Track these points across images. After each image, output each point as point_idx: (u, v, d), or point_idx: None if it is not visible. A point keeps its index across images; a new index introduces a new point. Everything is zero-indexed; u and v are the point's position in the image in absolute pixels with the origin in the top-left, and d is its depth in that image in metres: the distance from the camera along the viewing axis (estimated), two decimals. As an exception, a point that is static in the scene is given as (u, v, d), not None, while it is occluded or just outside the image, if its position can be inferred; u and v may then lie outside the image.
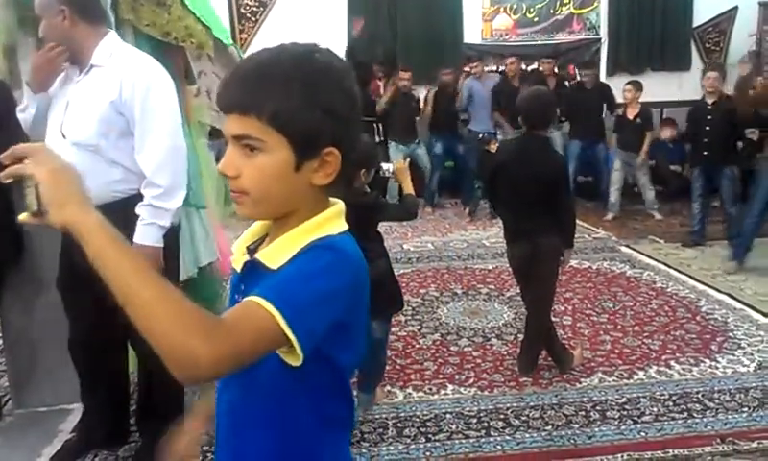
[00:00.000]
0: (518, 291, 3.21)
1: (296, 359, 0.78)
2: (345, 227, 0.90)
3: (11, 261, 2.46)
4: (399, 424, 2.56)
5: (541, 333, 2.97)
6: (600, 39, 7.76)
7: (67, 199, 0.75)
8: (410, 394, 2.82)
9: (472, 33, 7.61)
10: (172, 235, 2.17)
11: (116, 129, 2.02)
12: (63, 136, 2.03)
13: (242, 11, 7.41)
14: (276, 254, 0.85)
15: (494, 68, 7.08)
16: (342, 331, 0.84)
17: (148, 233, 2.03)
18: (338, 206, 0.91)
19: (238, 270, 0.93)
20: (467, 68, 6.33)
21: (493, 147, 5.63)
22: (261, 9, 7.41)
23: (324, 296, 0.79)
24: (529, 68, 6.86)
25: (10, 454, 2.44)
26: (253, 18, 7.43)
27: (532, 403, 2.72)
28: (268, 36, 7.13)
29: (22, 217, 0.78)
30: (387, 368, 2.85)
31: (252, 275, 0.88)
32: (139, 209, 2.03)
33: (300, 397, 0.88)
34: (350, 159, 0.88)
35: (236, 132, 0.83)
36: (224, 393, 0.94)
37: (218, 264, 2.99)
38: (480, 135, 6.18)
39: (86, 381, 2.39)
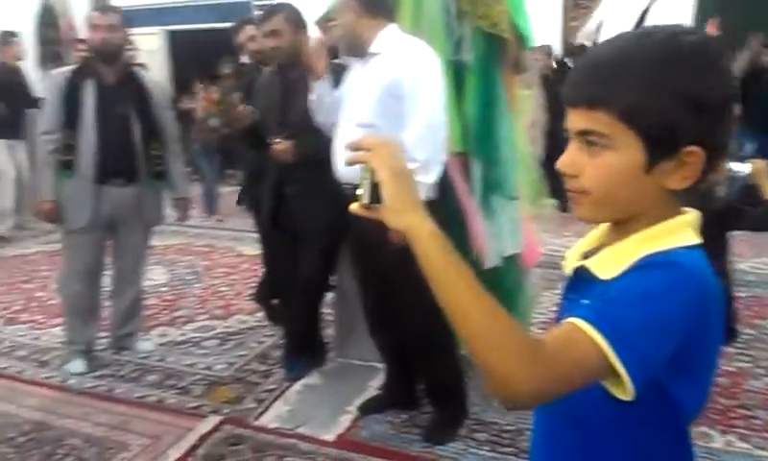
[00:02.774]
0: None
1: (624, 393, 0.69)
2: (695, 240, 0.77)
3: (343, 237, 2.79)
4: (717, 475, 2.19)
5: None
6: None
7: (405, 204, 0.76)
8: (731, 442, 2.39)
9: None
10: (433, 211, 2.22)
11: (391, 109, 2.18)
12: (349, 119, 2.27)
13: (576, -2, 7.19)
14: (607, 264, 0.77)
15: None
16: (681, 362, 0.72)
17: None
18: (690, 215, 0.79)
19: (569, 274, 0.87)
20: None
21: None
22: (595, -5, 7.08)
23: (660, 321, 0.69)
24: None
25: (325, 398, 2.77)
26: (585, 4, 7.15)
27: None
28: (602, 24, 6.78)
29: (354, 207, 0.82)
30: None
31: (581, 283, 0.81)
32: None
33: (623, 431, 0.79)
34: (716, 161, 0.75)
35: (580, 127, 0.76)
36: (543, 417, 0.90)
37: (523, 256, 2.95)
38: None
39: (378, 346, 2.65)
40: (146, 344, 3.30)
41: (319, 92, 2.40)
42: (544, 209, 3.40)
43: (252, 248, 4.58)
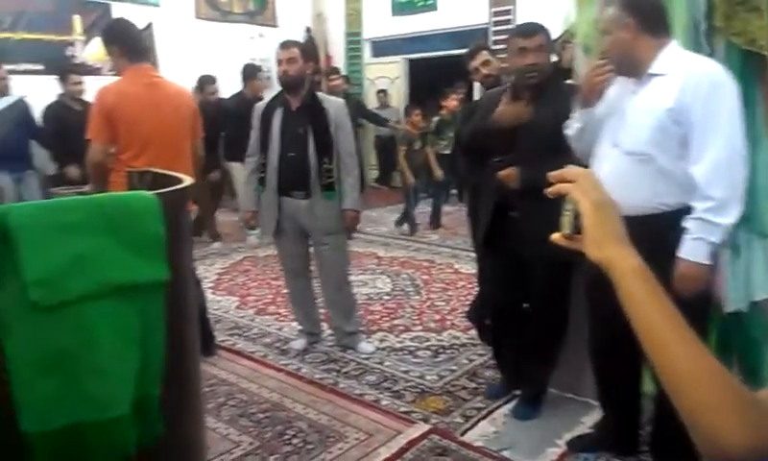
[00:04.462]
0: None
1: None
2: None
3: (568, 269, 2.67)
4: None
5: None
6: None
7: (606, 237, 0.74)
8: None
9: None
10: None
11: (672, 138, 1.96)
12: (615, 145, 2.09)
13: None
14: None
15: None
16: None
17: (694, 249, 1.93)
18: None
19: None
20: None
21: None
22: None
23: None
24: None
25: (533, 426, 2.71)
26: None
27: None
28: None
29: (555, 237, 0.83)
30: None
31: None
32: (688, 223, 1.94)
33: None
34: None
35: None
36: None
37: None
38: None
39: (600, 385, 2.49)
40: (368, 346, 3.57)
41: (586, 119, 2.21)
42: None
43: (470, 266, 4.67)
